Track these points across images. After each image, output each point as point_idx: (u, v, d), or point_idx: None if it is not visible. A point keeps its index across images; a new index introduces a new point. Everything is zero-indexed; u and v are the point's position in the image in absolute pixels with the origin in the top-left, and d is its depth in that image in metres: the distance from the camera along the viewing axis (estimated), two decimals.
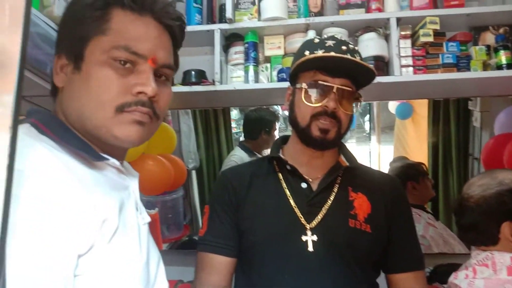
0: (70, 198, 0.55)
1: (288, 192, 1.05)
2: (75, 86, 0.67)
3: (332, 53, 0.97)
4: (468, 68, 1.48)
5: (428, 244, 1.99)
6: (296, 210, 1.02)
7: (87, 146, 0.67)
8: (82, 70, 0.66)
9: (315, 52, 1.00)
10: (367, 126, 4.81)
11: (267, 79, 1.65)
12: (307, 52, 1.01)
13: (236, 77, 1.65)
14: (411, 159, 3.59)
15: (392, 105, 4.37)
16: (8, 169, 0.38)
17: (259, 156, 2.75)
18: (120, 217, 0.63)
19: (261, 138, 2.64)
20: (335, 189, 1.06)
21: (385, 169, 3.05)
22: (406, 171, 2.19)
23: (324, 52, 0.98)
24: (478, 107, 2.44)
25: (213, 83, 1.61)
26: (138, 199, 0.75)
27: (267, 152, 3.00)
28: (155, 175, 1.68)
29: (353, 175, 1.09)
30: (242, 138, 2.94)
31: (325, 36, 1.54)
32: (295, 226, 1.00)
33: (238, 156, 2.66)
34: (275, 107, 2.62)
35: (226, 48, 1.70)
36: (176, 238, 2.81)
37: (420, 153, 3.75)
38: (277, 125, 2.86)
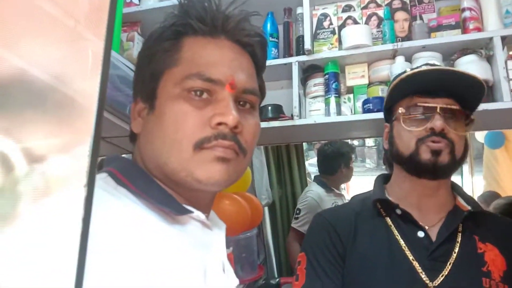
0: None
1: (402, 242, 0.88)
2: (150, 127, 0.59)
3: (426, 67, 0.88)
4: None
5: None
6: (416, 264, 0.85)
7: (169, 198, 0.58)
8: (156, 108, 0.58)
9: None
10: None
11: (350, 111, 1.52)
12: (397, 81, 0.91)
13: (315, 110, 1.54)
14: (504, 193, 3.19)
15: (481, 134, 3.99)
16: (82, 235, 0.32)
17: (337, 191, 2.59)
18: (204, 282, 0.53)
19: (341, 172, 2.49)
20: (459, 239, 0.88)
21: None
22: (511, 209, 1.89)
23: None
24: None
25: (291, 117, 1.51)
26: (225, 258, 0.65)
27: (343, 186, 2.83)
28: (232, 215, 1.59)
29: (477, 222, 0.91)
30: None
31: (417, 63, 1.42)
32: (416, 285, 0.83)
33: (314, 192, 2.53)
34: None
35: (303, 81, 1.61)
36: (251, 279, 2.68)
37: None
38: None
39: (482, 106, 1.30)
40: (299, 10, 1.61)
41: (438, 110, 0.85)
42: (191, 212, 0.58)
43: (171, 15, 0.62)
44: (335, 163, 2.49)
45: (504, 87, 1.30)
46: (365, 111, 1.44)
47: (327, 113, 1.50)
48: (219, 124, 0.55)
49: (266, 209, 3.13)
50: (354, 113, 1.51)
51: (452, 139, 0.86)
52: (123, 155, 0.67)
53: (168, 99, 0.57)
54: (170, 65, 0.59)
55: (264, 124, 1.53)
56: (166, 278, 0.49)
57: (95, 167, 0.34)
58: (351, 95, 1.54)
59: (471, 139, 4.20)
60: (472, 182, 3.94)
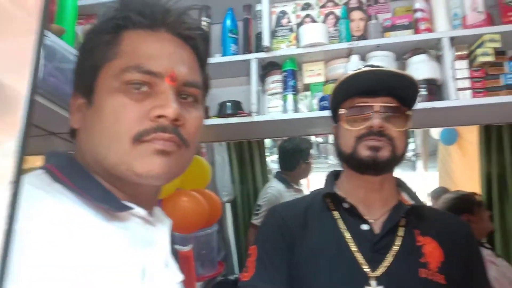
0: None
1: (347, 235, 0.91)
2: (89, 122, 0.57)
3: (365, 69, 0.92)
4: None
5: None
6: (358, 256, 0.88)
7: (107, 194, 0.56)
8: (94, 103, 0.57)
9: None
10: (409, 152, 4.61)
11: (307, 108, 1.54)
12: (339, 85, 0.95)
13: (274, 106, 1.55)
14: (457, 187, 3.35)
15: (436, 130, 4.16)
16: (7, 233, 0.32)
17: (296, 187, 2.62)
18: (143, 281, 0.52)
19: (300, 168, 2.53)
20: (400, 233, 0.91)
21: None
22: (459, 203, 1.98)
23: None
24: None
25: (249, 114, 1.51)
26: (168, 254, 0.63)
27: (302, 182, 2.87)
28: (190, 212, 1.58)
29: (419, 216, 0.94)
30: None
31: (371, 62, 1.46)
32: (357, 276, 0.86)
33: (275, 188, 2.54)
34: None
35: (262, 77, 1.62)
36: (211, 275, 2.67)
37: (468, 182, 3.50)
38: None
39: (432, 104, 1.36)
40: (258, 7, 1.61)
41: (376, 108, 0.88)
42: (130, 208, 0.56)
43: (112, 9, 0.60)
44: (294, 159, 2.52)
45: (451, 86, 1.36)
46: (321, 108, 1.47)
47: (285, 110, 1.52)
48: (159, 116, 0.54)
49: (227, 205, 3.13)
50: (311, 110, 1.53)
51: (391, 135, 0.88)
52: (66, 152, 0.63)
53: (107, 92, 0.56)
54: (110, 59, 0.57)
55: (222, 121, 1.52)
56: (100, 276, 0.47)
57: (21, 164, 0.33)
58: (308, 93, 1.56)
59: (427, 136, 4.38)
60: (426, 177, 4.11)
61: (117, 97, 0.54)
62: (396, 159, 0.91)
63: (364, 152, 0.88)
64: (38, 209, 0.46)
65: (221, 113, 1.58)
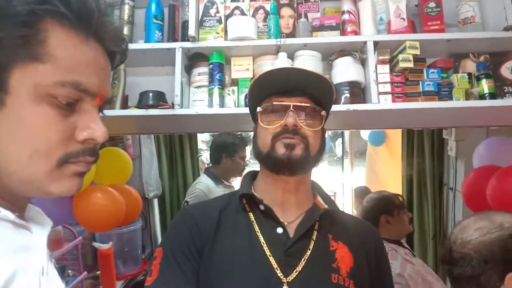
0: None
1: (262, 238, 0.88)
2: None
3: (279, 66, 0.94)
4: (450, 97, 1.37)
5: (405, 283, 1.84)
6: (272, 260, 0.85)
7: None
8: (6, 106, 0.48)
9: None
10: (338, 150, 4.76)
11: (234, 104, 1.49)
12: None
13: (199, 100, 1.48)
14: (383, 187, 3.51)
15: (364, 131, 4.33)
16: None
17: (227, 183, 2.57)
18: None
19: (223, 163, 2.48)
20: (314, 237, 0.90)
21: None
22: (380, 204, 2.05)
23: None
24: (453, 136, 2.37)
25: (172, 106, 1.43)
26: (45, 261, 0.56)
27: (236, 179, 2.83)
28: (104, 209, 1.47)
29: (332, 221, 0.94)
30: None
31: (298, 61, 1.44)
32: (271, 281, 0.83)
33: (203, 184, 2.48)
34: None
35: (189, 69, 1.54)
36: (133, 274, 2.56)
37: (393, 182, 3.67)
38: (247, 150, 2.70)
39: (354, 107, 1.37)
40: None
41: (291, 107, 0.89)
42: None
43: None
44: (218, 154, 2.48)
45: (373, 89, 1.38)
46: (247, 104, 1.42)
47: (210, 104, 1.45)
48: (88, 139, 0.53)
49: (155, 201, 3.01)
50: (238, 106, 1.48)
51: (305, 134, 0.89)
52: None
53: (28, 98, 0.49)
54: (31, 58, 0.48)
55: (142, 112, 1.43)
56: None
57: None
58: (235, 88, 1.51)
59: (354, 136, 4.56)
60: (353, 175, 4.27)
61: (42, 109, 0.49)
62: (310, 158, 0.90)
63: (280, 150, 0.88)
64: None
65: (141, 104, 1.48)
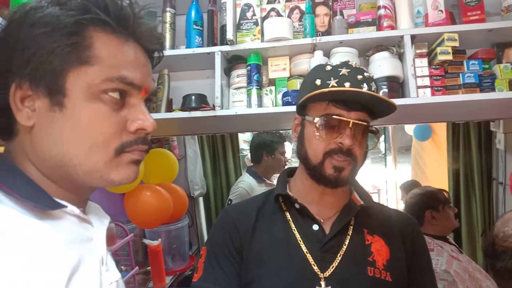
0: None
1: (298, 236, 0.91)
2: (58, 126, 0.55)
3: (347, 85, 0.86)
4: (492, 88, 1.34)
5: (452, 280, 1.80)
6: (309, 257, 0.88)
7: (39, 193, 0.55)
8: (66, 107, 0.55)
9: (328, 82, 0.88)
10: (382, 146, 4.66)
11: (272, 103, 1.54)
12: (318, 81, 0.90)
13: (238, 101, 1.54)
14: (429, 183, 3.41)
15: (409, 126, 4.22)
16: None
17: (268, 182, 2.62)
18: (70, 281, 0.51)
19: (264, 161, 2.53)
20: (350, 232, 0.92)
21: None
22: (425, 199, 2.01)
23: (337, 82, 0.87)
24: (501, 129, 2.27)
25: (213, 108, 1.50)
26: (104, 252, 0.63)
27: (276, 176, 2.87)
28: (152, 207, 1.56)
29: (368, 216, 0.96)
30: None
31: (335, 58, 1.46)
32: (308, 276, 0.86)
33: (246, 182, 2.54)
34: None
35: (228, 71, 1.60)
36: (181, 270, 2.67)
37: (440, 177, 3.56)
38: (285, 146, 2.73)
39: (393, 101, 1.36)
40: None
41: (350, 125, 0.86)
42: (62, 206, 0.56)
43: (73, 0, 0.57)
44: (258, 153, 2.52)
45: (411, 84, 1.37)
46: (284, 103, 1.46)
47: (249, 104, 1.51)
48: (139, 129, 0.59)
49: (200, 199, 3.11)
50: (275, 105, 1.52)
51: (356, 155, 0.88)
52: None
53: (84, 99, 0.55)
54: (81, 62, 0.55)
55: (185, 114, 1.50)
56: (28, 273, 0.46)
57: None
58: (273, 87, 1.55)
59: (398, 131, 4.44)
60: (396, 172, 4.17)
61: (96, 106, 0.56)
62: (354, 175, 0.92)
63: (329, 170, 0.88)
64: None
65: (185, 106, 1.56)
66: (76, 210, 0.58)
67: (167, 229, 2.67)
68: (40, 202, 0.53)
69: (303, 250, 0.89)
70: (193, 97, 1.57)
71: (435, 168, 3.92)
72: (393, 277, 0.88)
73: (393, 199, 3.98)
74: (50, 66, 0.54)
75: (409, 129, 4.34)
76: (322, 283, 0.85)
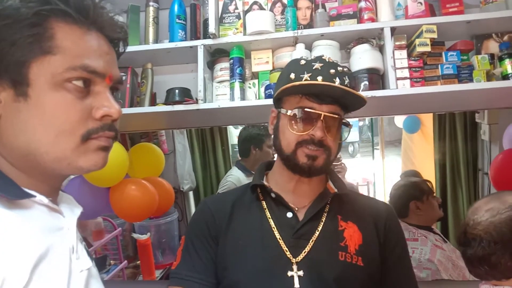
0: None
1: (272, 223, 0.95)
2: (23, 115, 0.56)
3: (320, 79, 0.89)
4: (470, 79, 1.36)
5: (435, 269, 1.83)
6: (281, 243, 0.91)
7: (6, 182, 0.57)
8: (31, 97, 0.56)
9: (301, 76, 0.91)
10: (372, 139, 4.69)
11: (255, 96, 1.55)
12: (292, 75, 0.93)
13: (222, 94, 1.55)
14: (420, 173, 3.45)
15: (399, 119, 4.25)
16: None
17: None
18: (36, 269, 0.52)
19: (252, 155, 2.54)
20: (323, 219, 0.95)
21: (391, 184, 2.91)
22: (409, 190, 2.04)
23: (310, 76, 0.90)
24: (486, 120, 2.30)
25: (196, 101, 1.51)
26: (75, 241, 0.64)
27: None
28: (137, 200, 1.57)
29: (343, 203, 0.99)
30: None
31: (316, 51, 1.47)
32: (280, 261, 0.89)
33: (234, 176, 2.55)
34: None
35: (211, 65, 1.61)
36: (171, 263, 2.68)
37: (429, 168, 3.60)
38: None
39: (372, 93, 1.38)
40: None
41: (321, 117, 0.89)
42: (31, 196, 0.57)
43: None
44: (246, 146, 2.53)
45: (391, 76, 1.39)
46: (267, 96, 1.48)
47: (232, 97, 1.52)
48: (104, 116, 0.60)
49: (190, 193, 3.13)
50: (258, 98, 1.53)
51: (329, 146, 0.91)
52: None
53: (47, 88, 0.56)
54: (43, 52, 0.56)
55: (169, 108, 1.51)
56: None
57: None
58: (256, 81, 1.56)
59: (390, 124, 4.48)
60: (383, 165, 4.20)
61: (60, 94, 0.57)
62: (328, 165, 0.95)
63: (301, 158, 0.91)
64: None
65: (168, 100, 1.56)
66: (45, 200, 0.59)
67: (157, 223, 2.69)
68: (7, 192, 0.54)
69: (276, 236, 0.92)
70: (177, 90, 1.57)
71: (423, 160, 3.95)
72: (365, 261, 0.91)
73: (381, 192, 4.02)
74: (13, 58, 0.55)
75: (399, 122, 4.38)
76: (294, 267, 0.88)
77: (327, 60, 0.93)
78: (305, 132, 0.90)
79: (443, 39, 1.43)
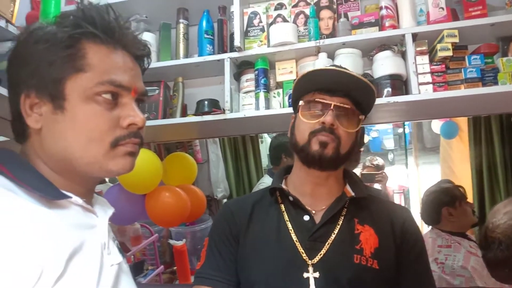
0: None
1: (289, 226, 0.98)
2: (60, 126, 0.65)
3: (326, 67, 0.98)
4: (495, 82, 1.35)
5: (469, 276, 1.79)
6: (298, 245, 0.95)
7: (46, 185, 0.65)
8: (67, 109, 0.65)
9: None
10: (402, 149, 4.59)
11: (280, 105, 1.60)
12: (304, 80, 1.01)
13: (248, 104, 1.62)
14: (458, 180, 3.35)
15: (436, 125, 4.15)
16: None
17: None
18: (71, 261, 0.60)
19: (283, 163, 2.58)
20: (340, 222, 0.98)
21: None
22: (440, 197, 2.01)
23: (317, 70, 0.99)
24: None
25: (223, 111, 1.58)
26: (106, 238, 0.72)
27: None
28: (170, 207, 1.66)
29: (360, 206, 1.01)
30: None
31: (339, 59, 1.52)
32: (296, 263, 0.93)
33: (266, 184, 2.60)
34: None
35: (238, 76, 1.68)
36: None
37: (466, 174, 3.49)
38: None
39: (394, 99, 1.40)
40: (232, 8, 1.67)
41: (332, 106, 0.94)
42: (68, 197, 0.65)
43: (66, 18, 0.68)
44: (277, 154, 2.57)
45: (413, 81, 1.40)
46: (291, 105, 1.52)
47: (257, 107, 1.58)
48: (130, 124, 0.68)
49: (224, 201, 3.21)
50: (283, 107, 1.58)
51: (339, 134, 0.95)
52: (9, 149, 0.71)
53: (79, 101, 0.65)
54: (76, 70, 0.65)
55: (198, 119, 1.60)
56: (21, 264, 0.53)
57: None
58: (280, 90, 1.62)
59: (429, 130, 4.37)
60: (417, 173, 4.10)
61: (91, 106, 0.66)
62: (340, 157, 0.97)
63: (314, 146, 0.95)
64: None
65: (198, 111, 1.65)
66: (80, 201, 0.67)
67: (192, 230, 2.79)
68: (47, 193, 0.63)
69: (293, 238, 0.95)
70: (206, 102, 1.66)
71: (462, 166, 3.83)
72: (380, 264, 0.92)
73: (416, 199, 3.93)
74: (51, 76, 0.65)
75: (436, 127, 4.27)
76: (310, 269, 0.91)
77: (338, 65, 1.01)
78: (317, 122, 0.95)
79: (466, 43, 1.43)
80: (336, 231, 0.96)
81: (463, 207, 1.97)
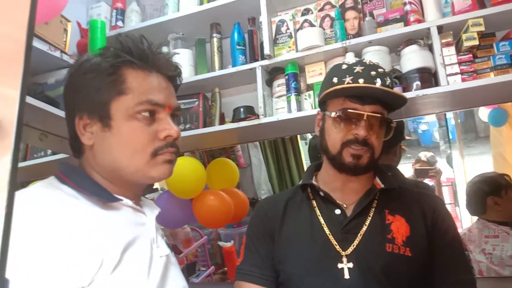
0: (66, 244, 0.63)
1: (322, 220, 1.04)
2: (108, 141, 0.78)
3: (361, 81, 0.97)
4: None
5: None
6: (331, 238, 1.00)
7: (101, 190, 0.77)
8: (113, 127, 0.77)
9: (343, 79, 1.00)
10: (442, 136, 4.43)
11: (311, 106, 1.67)
12: (335, 79, 1.02)
13: (280, 108, 1.70)
14: (509, 168, 3.20)
15: (484, 112, 3.98)
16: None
17: None
18: (125, 252, 0.71)
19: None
20: (371, 214, 1.03)
21: None
22: (483, 186, 1.97)
23: (352, 79, 0.98)
24: None
25: (258, 116, 1.67)
26: (154, 233, 0.83)
27: None
28: (215, 209, 1.77)
29: (390, 197, 1.05)
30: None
31: (366, 57, 1.55)
32: (330, 254, 0.98)
33: None
34: None
35: (270, 82, 1.77)
36: None
37: None
38: None
39: (423, 91, 1.42)
40: (261, 19, 1.76)
41: (364, 117, 0.97)
42: (120, 199, 0.78)
43: (108, 50, 0.81)
44: (316, 153, 2.62)
45: (441, 73, 1.42)
46: None
47: (289, 110, 1.66)
48: (167, 136, 0.79)
49: None
50: (315, 108, 1.65)
51: (372, 144, 0.99)
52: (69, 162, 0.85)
53: (123, 119, 0.77)
54: (119, 93, 0.78)
55: (234, 125, 1.70)
56: (86, 254, 0.65)
57: (15, 175, 0.51)
58: (311, 92, 1.68)
59: (474, 119, 4.20)
60: (463, 165, 3.93)
61: (133, 123, 0.78)
62: (373, 163, 1.02)
63: (347, 158, 1.00)
64: (46, 202, 0.67)
65: (235, 118, 1.75)
66: (129, 202, 0.80)
67: (240, 232, 2.89)
68: (103, 197, 0.75)
69: (326, 232, 1.01)
70: (241, 109, 1.76)
71: None
72: (413, 251, 0.95)
73: (462, 191, 3.78)
74: (99, 100, 0.78)
75: (484, 115, 4.10)
76: (344, 259, 0.96)
77: (367, 63, 1.02)
78: (349, 132, 0.99)
79: (494, 30, 1.42)
80: (367, 223, 1.00)
81: (510, 195, 1.92)
